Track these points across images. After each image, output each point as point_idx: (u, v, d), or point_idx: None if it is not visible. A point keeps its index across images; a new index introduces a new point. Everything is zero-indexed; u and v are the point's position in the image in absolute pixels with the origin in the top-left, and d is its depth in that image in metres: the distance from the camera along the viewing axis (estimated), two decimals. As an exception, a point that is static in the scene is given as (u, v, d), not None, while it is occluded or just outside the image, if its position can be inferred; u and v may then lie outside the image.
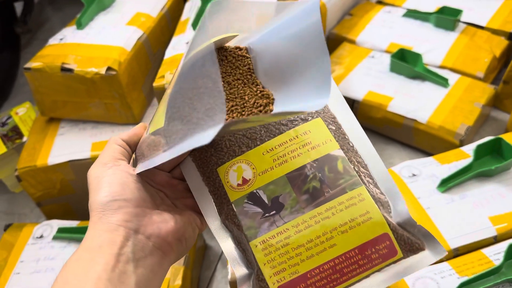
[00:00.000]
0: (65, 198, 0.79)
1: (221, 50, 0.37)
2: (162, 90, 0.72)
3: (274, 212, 0.34)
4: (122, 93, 0.74)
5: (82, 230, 0.66)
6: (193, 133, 0.30)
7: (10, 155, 0.85)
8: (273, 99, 0.34)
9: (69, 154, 0.75)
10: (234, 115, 0.34)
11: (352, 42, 0.95)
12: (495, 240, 0.57)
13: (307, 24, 0.30)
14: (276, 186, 0.35)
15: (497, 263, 0.52)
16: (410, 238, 0.33)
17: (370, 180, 0.35)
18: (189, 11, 0.85)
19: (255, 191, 0.35)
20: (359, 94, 0.83)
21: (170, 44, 0.79)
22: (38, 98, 0.78)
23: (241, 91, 0.35)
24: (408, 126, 0.79)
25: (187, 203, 0.38)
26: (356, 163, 0.35)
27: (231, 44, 0.38)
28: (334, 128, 0.36)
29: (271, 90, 0.35)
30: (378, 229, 0.33)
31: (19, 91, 1.12)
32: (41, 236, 0.68)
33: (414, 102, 0.80)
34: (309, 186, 0.34)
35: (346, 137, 0.36)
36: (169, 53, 0.77)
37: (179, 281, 0.60)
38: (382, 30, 0.94)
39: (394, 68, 0.85)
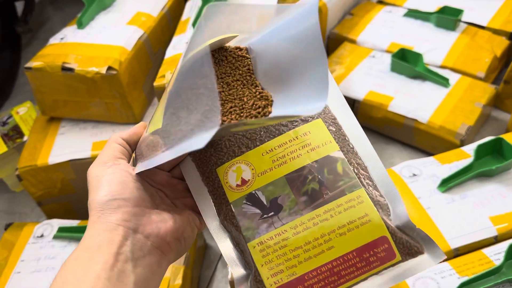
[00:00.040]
0: (66, 198, 0.79)
1: (221, 50, 0.37)
2: (162, 90, 0.72)
3: (272, 213, 0.34)
4: (123, 92, 0.74)
5: (83, 230, 0.66)
6: (192, 135, 0.30)
7: (10, 154, 0.85)
8: (271, 101, 0.34)
9: (69, 153, 0.75)
10: (233, 116, 0.34)
11: (353, 41, 0.95)
12: (496, 240, 0.57)
13: (305, 27, 0.30)
14: (275, 187, 0.34)
15: (497, 263, 0.52)
16: (409, 242, 0.33)
17: (370, 182, 0.35)
18: (189, 11, 0.85)
19: (254, 192, 0.35)
20: (359, 94, 0.83)
21: (171, 43, 0.79)
22: (39, 98, 0.78)
23: (240, 92, 0.35)
24: (408, 126, 0.79)
25: (187, 203, 0.38)
26: (356, 165, 0.35)
27: (231, 44, 0.38)
28: (334, 129, 0.36)
29: (270, 91, 0.34)
30: (377, 232, 0.33)
31: (20, 91, 1.13)
32: (42, 236, 0.68)
33: (414, 102, 0.80)
34: (308, 188, 0.34)
35: (346, 138, 0.36)
36: (170, 52, 0.77)
37: (179, 281, 0.60)
38: (383, 30, 0.94)
39: (394, 68, 0.85)
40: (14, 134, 0.88)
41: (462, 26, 0.90)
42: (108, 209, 0.32)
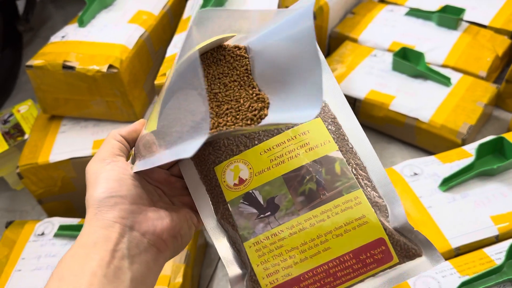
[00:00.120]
0: (67, 196, 0.79)
1: (219, 49, 0.37)
2: (163, 88, 0.72)
3: (269, 213, 0.34)
4: (124, 91, 0.74)
5: (83, 228, 0.66)
6: (187, 138, 0.30)
7: (11, 152, 0.85)
8: (268, 103, 0.34)
9: (70, 151, 0.75)
10: (228, 118, 0.34)
11: (354, 40, 0.95)
12: (497, 239, 0.57)
13: (301, 29, 0.30)
14: (272, 187, 0.34)
15: (498, 262, 0.52)
16: (406, 244, 0.33)
17: (368, 183, 0.35)
18: (191, 9, 0.85)
19: (251, 191, 0.34)
20: (361, 93, 0.83)
21: (172, 42, 0.79)
22: (40, 96, 0.78)
23: (237, 94, 0.35)
24: (410, 125, 0.79)
25: (185, 201, 0.38)
26: (355, 165, 0.35)
27: (230, 42, 0.38)
28: (333, 128, 0.36)
29: (267, 92, 0.34)
30: (374, 233, 0.33)
31: (21, 89, 1.13)
32: (43, 234, 0.68)
33: (416, 101, 0.79)
34: (305, 188, 0.34)
35: (346, 138, 0.36)
36: (171, 51, 0.77)
37: (179, 279, 0.60)
38: (384, 29, 0.94)
39: (396, 67, 0.85)
40: (15, 132, 0.88)
41: (464, 25, 0.90)
42: (105, 206, 0.32)
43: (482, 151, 0.64)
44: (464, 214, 0.58)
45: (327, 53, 1.01)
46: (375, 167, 0.35)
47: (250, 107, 0.34)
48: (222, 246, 0.35)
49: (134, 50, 0.77)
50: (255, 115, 0.33)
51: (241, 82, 0.35)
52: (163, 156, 0.31)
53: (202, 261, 0.72)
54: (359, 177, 0.34)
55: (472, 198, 0.60)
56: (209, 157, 0.36)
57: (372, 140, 0.89)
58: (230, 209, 0.34)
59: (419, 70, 0.82)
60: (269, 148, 0.35)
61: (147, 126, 0.36)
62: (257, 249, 0.33)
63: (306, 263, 0.33)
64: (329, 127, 0.36)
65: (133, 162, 0.36)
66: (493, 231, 0.56)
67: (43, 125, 0.82)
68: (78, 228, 0.67)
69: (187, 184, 0.37)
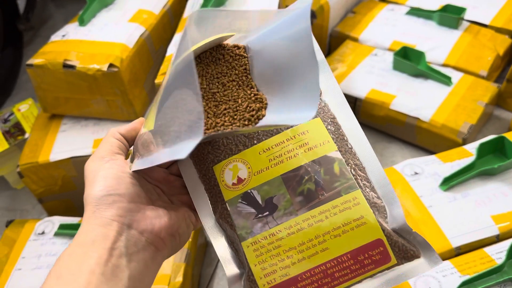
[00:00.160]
0: (67, 195, 0.79)
1: (219, 48, 0.37)
2: (164, 87, 0.72)
3: (267, 213, 0.34)
4: (124, 90, 0.74)
5: (84, 227, 0.66)
6: (186, 137, 0.30)
7: (12, 151, 0.85)
8: (266, 103, 0.34)
9: (71, 150, 0.75)
10: (226, 118, 0.33)
11: (355, 40, 0.95)
12: (497, 239, 0.56)
13: (298, 29, 0.30)
14: (270, 186, 0.34)
15: (499, 262, 0.52)
16: (405, 245, 0.33)
17: (367, 184, 0.34)
18: (191, 8, 0.85)
19: (249, 191, 0.34)
20: (361, 92, 0.83)
21: (172, 41, 0.79)
22: (40, 95, 0.78)
23: (235, 94, 0.35)
24: (410, 124, 0.79)
25: (183, 200, 0.38)
26: (353, 166, 0.34)
27: (230, 41, 0.37)
28: (333, 129, 0.36)
29: (265, 92, 0.34)
30: (372, 234, 0.33)
31: (21, 88, 1.13)
32: (43, 233, 0.68)
33: (417, 100, 0.79)
34: (304, 188, 0.34)
35: (345, 138, 0.36)
36: (171, 50, 0.77)
37: (180, 278, 0.60)
38: (385, 28, 0.94)
39: (397, 66, 0.85)
40: (16, 131, 0.88)
41: (465, 24, 0.90)
42: (103, 204, 0.32)
43: (482, 150, 0.64)
44: (464, 213, 0.58)
45: (328, 52, 1.01)
46: (374, 167, 0.35)
47: (248, 107, 0.34)
48: (220, 245, 0.35)
49: (134, 49, 0.77)
50: (252, 116, 0.33)
51: (240, 82, 0.35)
52: (160, 156, 0.31)
53: (203, 260, 0.72)
54: (358, 177, 0.34)
55: (473, 198, 0.60)
56: (208, 156, 0.36)
57: (373, 140, 0.89)
58: (229, 208, 0.34)
59: (420, 69, 0.82)
60: (268, 148, 0.35)
61: (145, 124, 0.36)
62: (255, 249, 0.33)
63: (304, 264, 0.33)
64: (329, 127, 0.35)
65: (132, 161, 0.36)
66: (493, 231, 0.56)
67: (44, 124, 0.81)
68: (78, 227, 0.67)
69: (185, 183, 0.37)
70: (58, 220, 0.69)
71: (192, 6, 0.85)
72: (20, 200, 0.87)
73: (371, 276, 0.32)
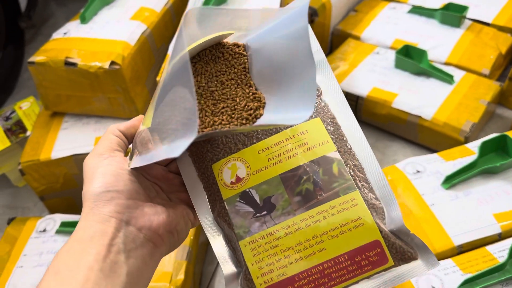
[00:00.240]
0: (68, 192, 0.79)
1: (218, 46, 0.36)
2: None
3: (265, 212, 0.34)
4: (126, 87, 0.74)
5: (85, 224, 0.66)
6: (183, 135, 0.29)
7: (13, 149, 0.85)
8: (264, 103, 0.34)
9: (72, 148, 0.75)
10: (224, 117, 0.33)
11: (357, 38, 0.94)
12: (500, 237, 0.56)
13: (296, 28, 0.30)
14: (269, 186, 0.34)
15: (501, 260, 0.52)
16: (402, 247, 0.33)
17: (366, 185, 0.34)
18: (193, 6, 0.85)
19: (247, 190, 0.34)
20: (363, 91, 0.83)
21: (174, 39, 0.79)
22: (41, 92, 0.78)
23: (233, 92, 0.35)
24: (412, 122, 0.79)
25: (182, 197, 0.38)
26: (352, 166, 0.34)
27: (230, 40, 0.37)
28: (332, 129, 0.35)
29: (264, 91, 0.34)
30: (370, 235, 0.32)
31: (23, 86, 1.13)
32: (44, 230, 0.68)
33: (419, 98, 0.79)
34: (302, 188, 0.34)
35: (344, 138, 0.36)
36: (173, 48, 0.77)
37: (181, 276, 0.60)
38: (387, 26, 0.94)
39: (399, 65, 0.85)
40: (17, 129, 0.88)
41: (467, 23, 0.90)
42: (101, 201, 0.32)
43: (485, 149, 0.64)
44: (467, 212, 0.58)
45: (330, 51, 1.01)
46: (373, 168, 0.35)
47: (246, 106, 0.33)
48: (217, 244, 0.35)
49: (136, 46, 0.77)
50: (250, 115, 0.33)
51: (238, 81, 0.35)
52: (158, 153, 0.31)
53: (204, 258, 0.72)
54: (357, 178, 0.34)
55: (475, 196, 0.60)
56: (207, 154, 0.36)
57: (375, 138, 0.89)
58: (227, 207, 0.34)
59: (422, 67, 0.82)
60: (267, 147, 0.35)
61: (143, 122, 0.36)
62: (252, 248, 0.33)
63: (301, 263, 0.33)
64: (328, 127, 0.35)
65: (131, 158, 0.36)
66: (496, 229, 0.56)
67: (45, 121, 0.82)
68: (80, 224, 0.67)
69: (184, 181, 0.37)
70: (60, 217, 0.69)
71: (194, 4, 0.85)
72: (22, 197, 0.87)
73: (368, 277, 0.32)
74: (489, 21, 0.90)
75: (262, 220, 0.34)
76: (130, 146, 0.37)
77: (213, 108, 0.34)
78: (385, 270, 0.32)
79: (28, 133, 0.86)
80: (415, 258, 0.33)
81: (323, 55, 0.37)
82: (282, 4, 0.79)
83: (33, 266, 0.63)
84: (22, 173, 0.75)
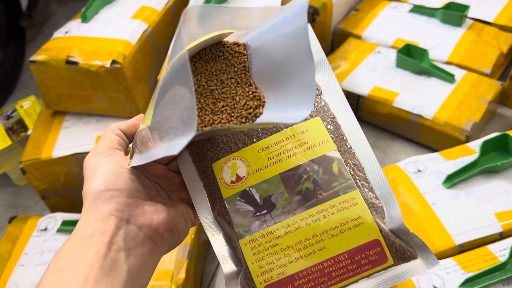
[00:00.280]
0: (70, 191, 0.79)
1: (218, 45, 0.36)
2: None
3: (265, 211, 0.34)
4: (127, 86, 0.74)
5: (86, 223, 0.66)
6: (182, 133, 0.30)
7: (15, 148, 0.85)
8: (263, 101, 0.34)
9: (73, 147, 0.75)
10: (223, 116, 0.33)
11: (358, 37, 0.94)
12: (501, 236, 0.56)
13: (295, 27, 0.30)
14: (269, 185, 0.34)
15: (502, 259, 0.52)
16: (402, 246, 0.33)
17: (365, 184, 0.34)
18: (194, 5, 0.85)
19: (248, 189, 0.34)
20: (364, 90, 0.83)
21: (173, 38, 0.79)
22: (43, 91, 0.78)
23: (233, 91, 0.35)
24: (413, 121, 0.79)
25: (182, 196, 0.38)
26: (352, 166, 0.34)
27: (230, 39, 0.37)
28: (332, 128, 0.35)
29: (263, 90, 0.34)
30: (369, 234, 0.33)
31: (24, 85, 1.13)
32: (46, 229, 0.68)
33: (420, 97, 0.79)
34: (302, 187, 0.34)
35: (344, 138, 0.36)
36: (174, 47, 0.77)
37: (182, 275, 0.60)
38: (388, 26, 0.94)
39: (400, 64, 0.85)
40: (18, 128, 0.88)
41: (468, 22, 0.90)
42: (102, 199, 0.32)
43: (486, 148, 0.64)
44: (468, 211, 0.58)
45: (331, 50, 1.01)
46: (373, 168, 0.35)
47: (246, 105, 0.33)
48: (217, 242, 0.35)
49: (137, 45, 0.77)
50: (249, 113, 0.33)
51: (238, 80, 0.35)
52: (157, 152, 0.31)
53: (205, 257, 0.72)
54: (357, 177, 0.34)
55: (476, 195, 0.60)
56: (207, 153, 0.36)
57: (376, 137, 0.89)
58: (227, 206, 0.34)
59: (423, 67, 0.82)
60: (267, 146, 0.35)
61: (143, 121, 0.36)
62: (252, 247, 0.33)
63: (301, 262, 0.33)
64: (328, 126, 0.35)
65: (131, 157, 0.36)
66: (497, 228, 0.56)
67: (46, 120, 0.82)
68: (81, 223, 0.67)
69: (184, 180, 0.37)
70: (61, 216, 0.69)
71: (195, 2, 0.85)
72: (23, 196, 0.87)
73: (367, 276, 0.32)
74: (491, 20, 0.90)
75: (262, 219, 0.34)
76: (131, 145, 0.38)
77: (212, 106, 0.34)
78: (384, 269, 0.33)
79: (29, 132, 0.86)
80: (414, 257, 0.33)
81: (323, 54, 0.37)
82: (284, 3, 0.79)
83: (34, 264, 0.64)
84: (23, 172, 0.75)
